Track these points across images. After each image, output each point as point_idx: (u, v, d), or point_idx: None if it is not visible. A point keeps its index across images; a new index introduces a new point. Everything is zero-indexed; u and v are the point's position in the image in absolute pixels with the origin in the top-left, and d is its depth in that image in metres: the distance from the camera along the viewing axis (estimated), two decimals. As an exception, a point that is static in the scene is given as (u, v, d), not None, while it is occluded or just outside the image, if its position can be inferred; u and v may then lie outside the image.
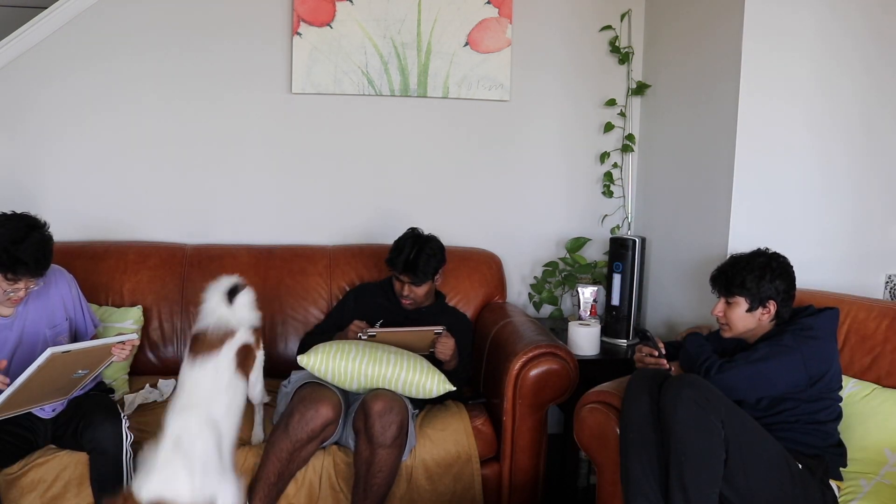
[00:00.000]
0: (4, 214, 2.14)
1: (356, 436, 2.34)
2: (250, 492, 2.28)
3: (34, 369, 1.97)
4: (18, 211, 2.17)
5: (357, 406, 2.36)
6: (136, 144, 3.02)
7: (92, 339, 2.40)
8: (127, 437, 2.22)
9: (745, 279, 2.14)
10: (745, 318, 2.17)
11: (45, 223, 2.16)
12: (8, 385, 2.00)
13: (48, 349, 1.97)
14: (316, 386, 2.38)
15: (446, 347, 2.53)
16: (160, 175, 3.05)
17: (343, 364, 2.36)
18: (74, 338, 2.39)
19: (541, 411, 2.51)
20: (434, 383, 2.40)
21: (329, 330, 2.67)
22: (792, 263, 2.21)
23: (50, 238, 2.16)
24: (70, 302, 2.38)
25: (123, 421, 2.23)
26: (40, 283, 2.17)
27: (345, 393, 2.46)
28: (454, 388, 2.44)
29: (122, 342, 2.17)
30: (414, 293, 2.63)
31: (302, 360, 2.38)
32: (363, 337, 2.48)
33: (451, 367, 2.55)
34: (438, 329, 2.52)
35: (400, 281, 2.63)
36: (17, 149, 2.93)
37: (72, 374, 2.14)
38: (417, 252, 2.59)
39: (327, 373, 2.36)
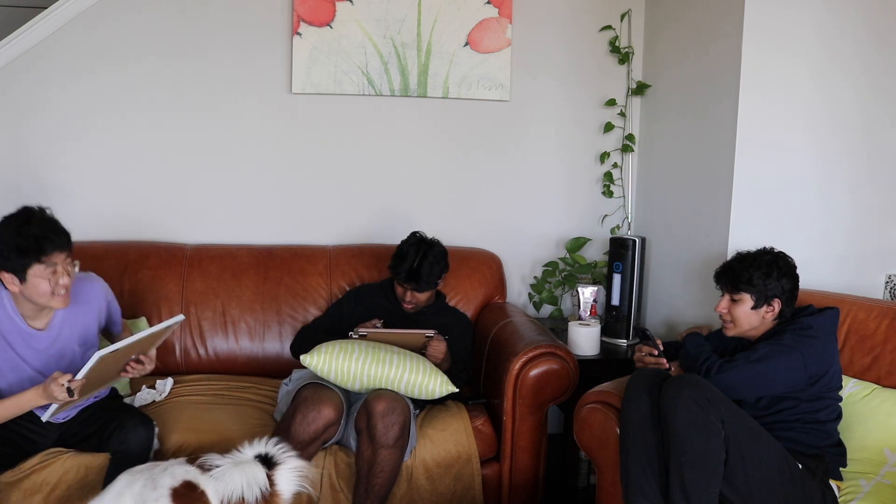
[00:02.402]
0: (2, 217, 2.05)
1: (358, 436, 2.34)
2: None
3: (85, 372, 1.95)
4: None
5: (359, 406, 2.37)
6: (136, 144, 3.02)
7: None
8: (154, 445, 2.25)
9: (753, 276, 2.14)
10: (750, 316, 2.17)
11: (41, 208, 2.05)
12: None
13: (96, 353, 1.93)
14: (318, 386, 2.37)
15: (438, 351, 2.52)
16: (160, 175, 3.05)
17: (346, 364, 2.35)
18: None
19: (541, 411, 2.51)
20: (437, 384, 2.40)
21: (326, 326, 2.67)
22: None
23: (52, 216, 2.06)
24: (105, 314, 2.31)
25: (155, 428, 2.26)
26: (76, 267, 2.07)
27: (346, 393, 2.46)
28: (457, 390, 2.44)
29: (168, 326, 2.11)
30: (416, 298, 2.65)
31: (305, 359, 2.37)
32: (354, 336, 2.49)
33: (443, 368, 2.55)
34: (430, 333, 2.52)
35: (403, 287, 2.64)
36: (17, 149, 2.93)
37: (123, 362, 2.11)
38: (421, 260, 2.58)
39: (330, 372, 2.36)
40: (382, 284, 2.79)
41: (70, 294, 2.08)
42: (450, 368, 2.60)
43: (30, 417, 2.20)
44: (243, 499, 1.86)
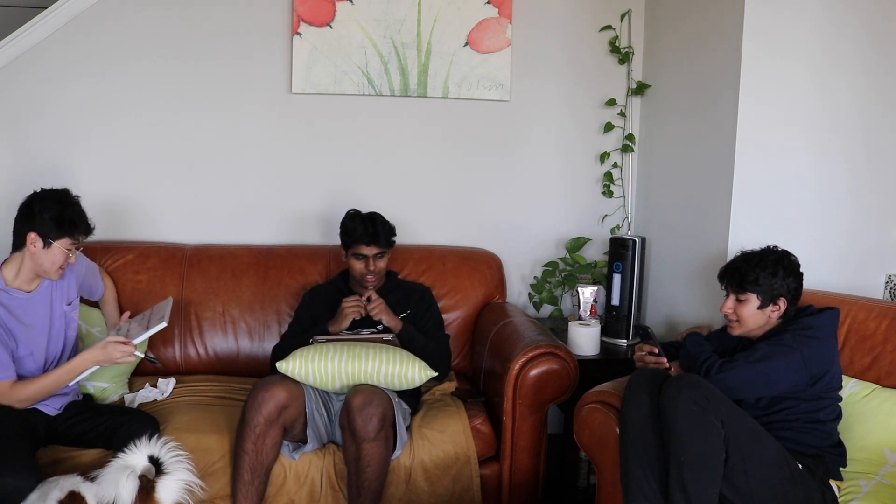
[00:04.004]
0: (42, 191, 2.30)
1: (342, 433, 2.34)
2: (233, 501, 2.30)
3: (142, 339, 2.30)
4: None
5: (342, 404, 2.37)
6: (136, 144, 3.02)
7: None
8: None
9: (759, 276, 2.14)
10: (756, 315, 2.17)
11: (77, 195, 2.35)
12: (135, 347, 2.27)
13: (160, 324, 2.31)
14: (276, 374, 2.39)
15: (379, 310, 2.56)
16: (160, 175, 3.05)
17: (322, 365, 2.36)
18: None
19: (541, 411, 2.51)
20: (415, 371, 2.40)
21: (297, 335, 2.64)
22: (795, 263, 2.22)
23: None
24: (84, 274, 2.54)
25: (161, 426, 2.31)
26: (80, 250, 2.36)
27: (328, 394, 2.48)
28: (436, 374, 2.44)
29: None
30: (377, 266, 2.65)
31: (281, 366, 2.37)
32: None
33: (395, 328, 2.60)
34: (388, 336, 2.53)
35: (361, 258, 2.64)
36: (17, 149, 2.93)
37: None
38: (372, 221, 2.66)
39: (308, 376, 2.37)
40: (334, 282, 2.79)
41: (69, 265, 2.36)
42: (429, 346, 2.60)
43: (20, 412, 2.24)
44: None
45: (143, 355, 2.28)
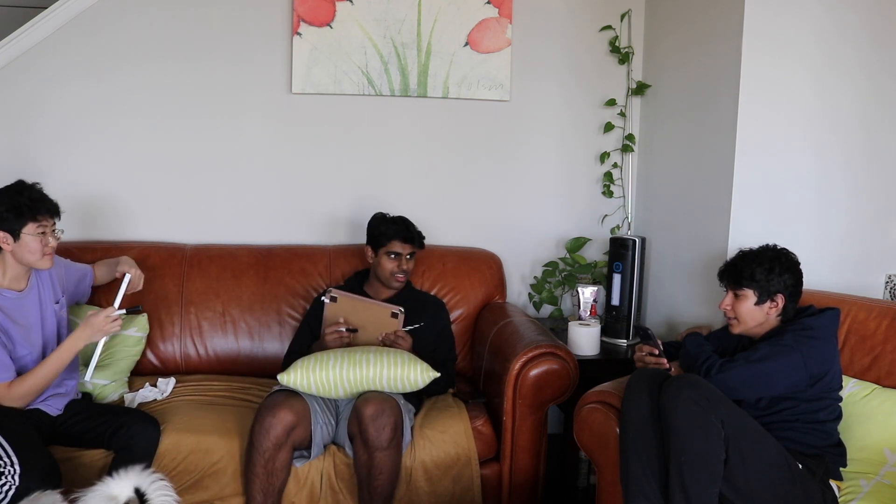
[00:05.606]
0: None
1: (352, 441, 2.33)
2: None
3: (119, 301, 2.35)
4: None
5: (350, 412, 2.36)
6: (136, 144, 3.02)
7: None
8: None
9: (755, 271, 2.15)
10: (754, 312, 2.17)
11: (34, 182, 2.30)
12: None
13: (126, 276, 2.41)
14: (280, 392, 2.37)
15: (405, 346, 2.52)
16: (160, 175, 3.05)
17: (323, 374, 2.34)
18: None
19: (541, 411, 2.51)
20: (418, 373, 2.37)
21: (307, 343, 2.64)
22: (794, 262, 2.22)
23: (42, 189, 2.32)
24: (64, 276, 2.49)
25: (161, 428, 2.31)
26: (60, 234, 2.31)
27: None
28: (438, 374, 2.42)
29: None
30: (409, 266, 2.70)
31: (282, 378, 2.35)
32: (325, 299, 2.52)
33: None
34: (396, 309, 2.52)
35: (394, 257, 2.66)
36: (16, 149, 2.93)
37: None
38: (405, 221, 2.71)
39: (310, 386, 2.35)
40: (347, 283, 2.79)
41: (54, 250, 2.31)
42: (437, 354, 2.60)
43: (27, 413, 2.25)
44: None
45: (125, 311, 2.32)
